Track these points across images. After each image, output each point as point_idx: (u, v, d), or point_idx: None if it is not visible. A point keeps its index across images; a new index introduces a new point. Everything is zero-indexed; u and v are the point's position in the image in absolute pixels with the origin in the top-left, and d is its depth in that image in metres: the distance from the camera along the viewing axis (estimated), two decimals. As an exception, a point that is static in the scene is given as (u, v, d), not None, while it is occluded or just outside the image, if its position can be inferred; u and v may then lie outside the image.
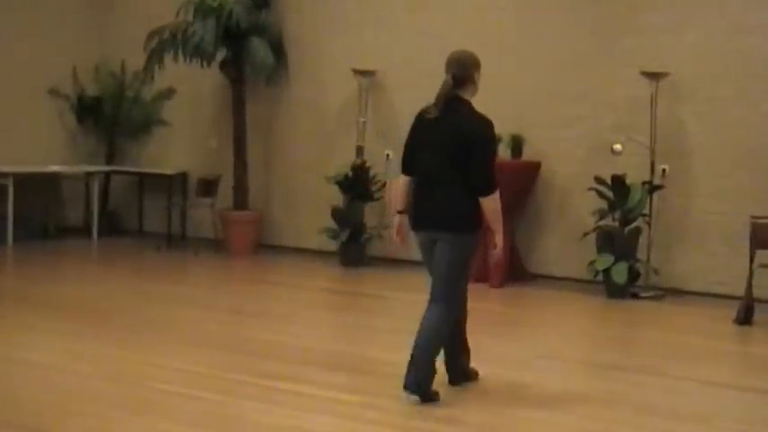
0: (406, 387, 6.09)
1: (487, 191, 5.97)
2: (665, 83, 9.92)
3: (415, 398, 6.06)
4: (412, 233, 6.35)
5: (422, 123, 6.20)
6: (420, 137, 6.20)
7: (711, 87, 9.97)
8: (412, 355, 6.11)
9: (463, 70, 6.13)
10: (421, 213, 6.17)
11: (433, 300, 6.17)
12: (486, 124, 6.07)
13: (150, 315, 8.71)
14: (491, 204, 6.00)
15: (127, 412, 5.86)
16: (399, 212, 6.37)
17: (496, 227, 6.11)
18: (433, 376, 6.16)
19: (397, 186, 6.38)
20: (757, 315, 8.82)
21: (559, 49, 10.68)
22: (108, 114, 13.24)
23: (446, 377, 6.47)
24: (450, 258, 6.06)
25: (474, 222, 6.06)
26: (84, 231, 13.04)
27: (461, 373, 6.54)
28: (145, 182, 13.29)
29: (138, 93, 13.15)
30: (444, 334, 6.18)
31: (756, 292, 8.86)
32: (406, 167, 6.27)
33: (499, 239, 6.16)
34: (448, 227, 6.04)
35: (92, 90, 13.29)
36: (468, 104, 6.14)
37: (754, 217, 8.98)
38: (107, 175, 13.31)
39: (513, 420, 6.06)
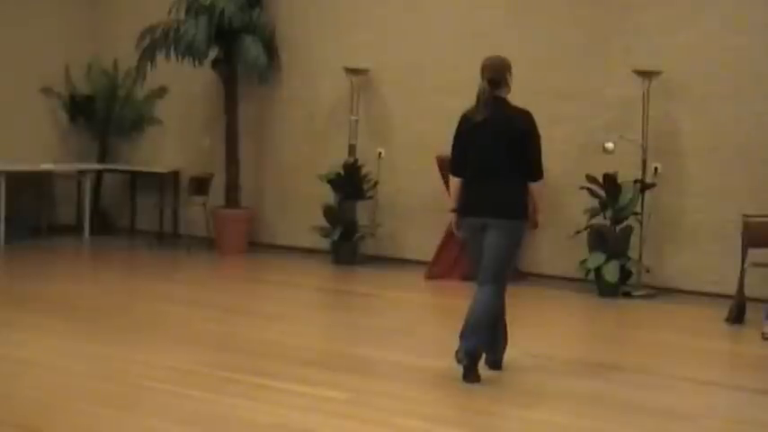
0: (458, 359, 6.51)
1: (540, 176, 6.64)
2: (658, 82, 9.92)
3: (466, 362, 6.50)
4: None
5: (469, 125, 6.68)
6: (470, 137, 6.68)
7: (704, 86, 9.98)
8: (462, 331, 6.52)
9: (498, 74, 6.65)
10: (475, 201, 6.66)
11: (484, 281, 6.62)
12: (531, 117, 6.64)
13: (141, 313, 8.69)
14: (541, 188, 6.68)
15: (116, 410, 5.85)
16: (453, 211, 6.83)
17: (543, 208, 6.82)
18: (483, 349, 6.62)
19: (453, 188, 6.85)
20: (749, 314, 8.81)
21: (552, 47, 10.69)
22: (100, 113, 13.22)
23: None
24: (504, 244, 6.57)
25: (524, 210, 6.62)
26: (76, 230, 13.02)
27: (497, 360, 6.88)
28: (137, 180, 13.27)
29: (130, 91, 13.12)
30: (496, 311, 6.67)
31: (748, 291, 8.86)
32: (461, 169, 6.75)
33: (541, 219, 6.88)
34: (502, 213, 6.56)
35: (84, 89, 13.26)
36: (507, 102, 6.67)
37: (745, 216, 8.98)
38: (99, 173, 13.29)
39: (503, 419, 6.06)
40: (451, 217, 6.88)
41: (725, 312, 8.86)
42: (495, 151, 6.57)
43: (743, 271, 8.87)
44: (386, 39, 11.64)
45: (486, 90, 6.59)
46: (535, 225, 6.84)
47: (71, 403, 5.94)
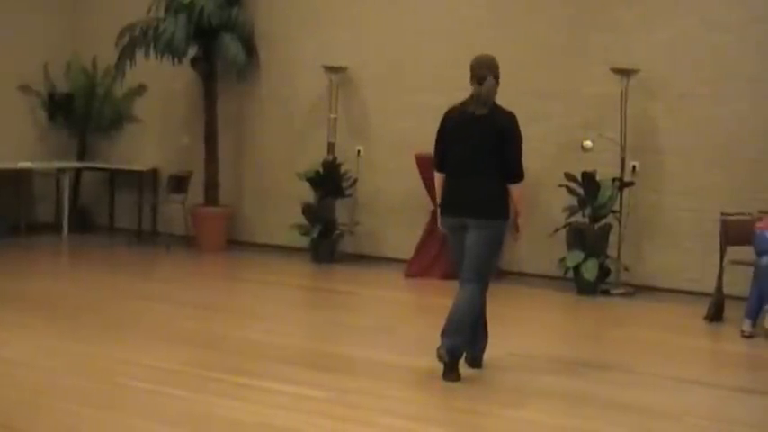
0: (439, 356, 6.51)
1: (519, 178, 6.64)
2: (636, 80, 9.96)
3: (447, 359, 6.52)
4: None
5: (453, 123, 6.72)
6: (455, 134, 6.70)
7: (682, 85, 10.03)
8: (444, 329, 6.55)
9: (497, 72, 6.67)
10: (455, 200, 6.68)
11: (466, 280, 6.66)
12: (514, 118, 6.66)
13: (121, 311, 8.66)
14: (520, 191, 6.68)
15: (97, 408, 5.83)
16: (439, 206, 6.88)
17: (523, 211, 6.80)
18: (465, 348, 6.67)
19: (437, 183, 6.88)
20: (727, 312, 8.85)
21: (531, 46, 10.71)
22: (79, 111, 13.16)
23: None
24: (485, 243, 6.59)
25: (505, 210, 6.64)
26: (55, 228, 12.95)
27: (476, 358, 6.92)
28: (116, 178, 13.21)
29: (109, 89, 13.06)
30: (477, 309, 6.71)
31: (727, 289, 8.91)
32: (443, 165, 6.77)
33: (522, 222, 6.83)
34: (484, 213, 6.58)
35: (63, 87, 13.19)
36: (494, 102, 6.67)
37: (724, 214, 9.02)
38: (78, 171, 13.24)
39: (485, 417, 6.07)
40: (436, 212, 6.93)
41: (704, 310, 8.91)
42: (477, 150, 6.59)
43: (721, 269, 8.92)
44: (365, 37, 11.64)
45: (492, 89, 6.59)
46: (517, 229, 6.82)
47: (53, 402, 5.91)
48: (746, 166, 9.73)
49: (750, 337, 8.25)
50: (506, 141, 6.57)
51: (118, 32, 11.78)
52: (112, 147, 13.34)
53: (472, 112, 6.60)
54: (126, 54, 11.76)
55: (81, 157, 13.27)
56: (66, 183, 12.92)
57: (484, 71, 6.62)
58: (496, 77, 6.64)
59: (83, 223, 13.15)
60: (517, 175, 6.63)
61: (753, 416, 6.33)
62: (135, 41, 11.71)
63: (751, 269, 8.49)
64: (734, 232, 8.84)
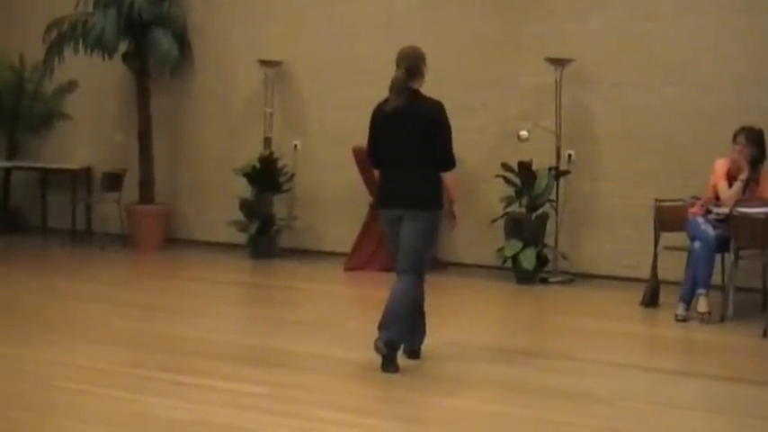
0: (377, 349, 6.51)
1: (452, 166, 6.67)
2: (570, 69, 10.02)
3: (385, 352, 6.51)
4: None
5: (382, 115, 6.73)
6: (384, 127, 6.73)
7: (615, 74, 10.11)
8: (381, 322, 6.55)
9: (413, 64, 6.71)
10: (390, 193, 6.73)
11: (402, 272, 6.70)
12: (441, 106, 6.68)
13: (55, 312, 8.54)
14: (454, 178, 6.72)
15: (32, 413, 5.74)
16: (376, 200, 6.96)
17: (458, 198, 6.84)
18: (402, 339, 6.68)
19: (377, 178, 6.92)
20: (663, 297, 8.94)
21: (465, 36, 10.73)
22: (7, 108, 12.90)
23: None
24: (419, 233, 6.61)
25: (439, 200, 6.67)
26: (-15, 229, 12.73)
27: (414, 349, 6.92)
28: (48, 178, 12.98)
29: (38, 86, 12.83)
30: (413, 300, 6.71)
31: (661, 274, 9.00)
32: (378, 161, 6.82)
33: (458, 210, 6.85)
34: (417, 205, 6.61)
35: (-11, 84, 12.96)
36: (418, 92, 6.71)
37: (658, 200, 9.12)
38: (8, 171, 12.99)
39: (424, 408, 6.08)
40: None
41: (640, 296, 8.99)
42: (407, 142, 6.61)
43: (656, 255, 9.01)
44: (300, 30, 11.57)
45: (400, 79, 6.63)
46: (454, 217, 6.84)
47: (-16, 407, 5.82)
48: (678, 152, 9.84)
49: (684, 320, 8.35)
50: (436, 130, 6.60)
51: (45, 27, 11.58)
52: (43, 145, 13.11)
53: (393, 106, 6.63)
54: (54, 50, 11.55)
55: (10, 156, 13.01)
56: (-6, 183, 12.70)
57: (401, 63, 6.67)
58: (414, 68, 6.66)
59: (14, 224, 12.92)
60: (449, 162, 6.66)
61: (687, 398, 6.41)
62: (63, 37, 11.51)
63: (685, 254, 8.62)
64: (668, 218, 8.94)
